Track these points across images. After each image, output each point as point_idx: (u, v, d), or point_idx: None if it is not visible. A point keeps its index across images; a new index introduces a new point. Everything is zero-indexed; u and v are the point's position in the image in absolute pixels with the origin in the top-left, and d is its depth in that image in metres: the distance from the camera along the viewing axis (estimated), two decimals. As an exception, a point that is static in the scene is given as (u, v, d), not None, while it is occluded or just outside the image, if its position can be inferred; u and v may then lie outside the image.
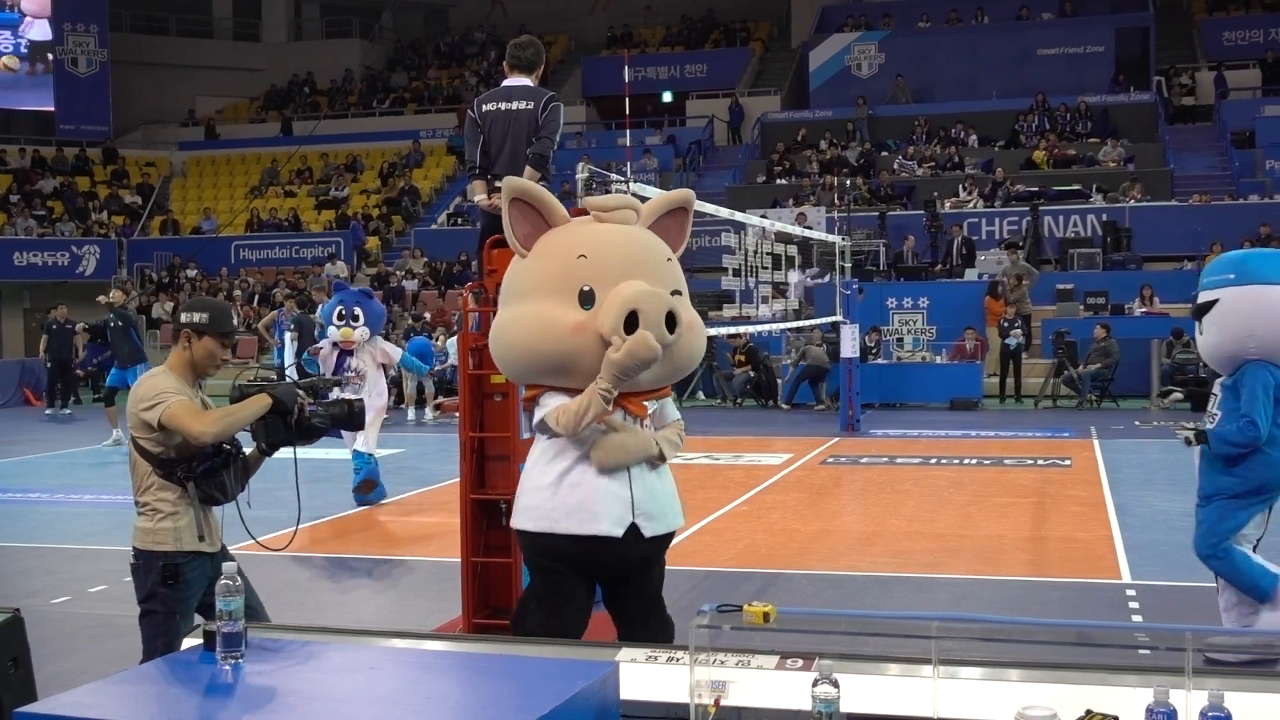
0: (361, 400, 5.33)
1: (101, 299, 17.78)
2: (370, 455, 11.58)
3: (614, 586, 4.80)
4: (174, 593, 4.71)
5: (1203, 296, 6.18)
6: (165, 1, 39.69)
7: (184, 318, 4.82)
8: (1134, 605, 7.69)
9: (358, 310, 11.31)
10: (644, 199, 5.04)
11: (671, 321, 4.35)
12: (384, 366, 11.88)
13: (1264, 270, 6.01)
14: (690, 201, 4.91)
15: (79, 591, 8.47)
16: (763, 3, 38.94)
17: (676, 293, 4.54)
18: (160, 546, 4.72)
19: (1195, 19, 34.51)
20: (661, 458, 4.66)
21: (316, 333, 13.15)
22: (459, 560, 6.36)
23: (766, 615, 3.14)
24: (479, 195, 6.66)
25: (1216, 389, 6.33)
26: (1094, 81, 31.70)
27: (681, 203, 4.88)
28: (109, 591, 8.51)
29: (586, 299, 4.43)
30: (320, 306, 12.90)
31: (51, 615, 7.58)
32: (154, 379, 4.77)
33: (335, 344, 11.43)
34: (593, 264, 4.45)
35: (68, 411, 22.12)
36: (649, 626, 4.76)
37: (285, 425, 4.78)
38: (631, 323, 4.32)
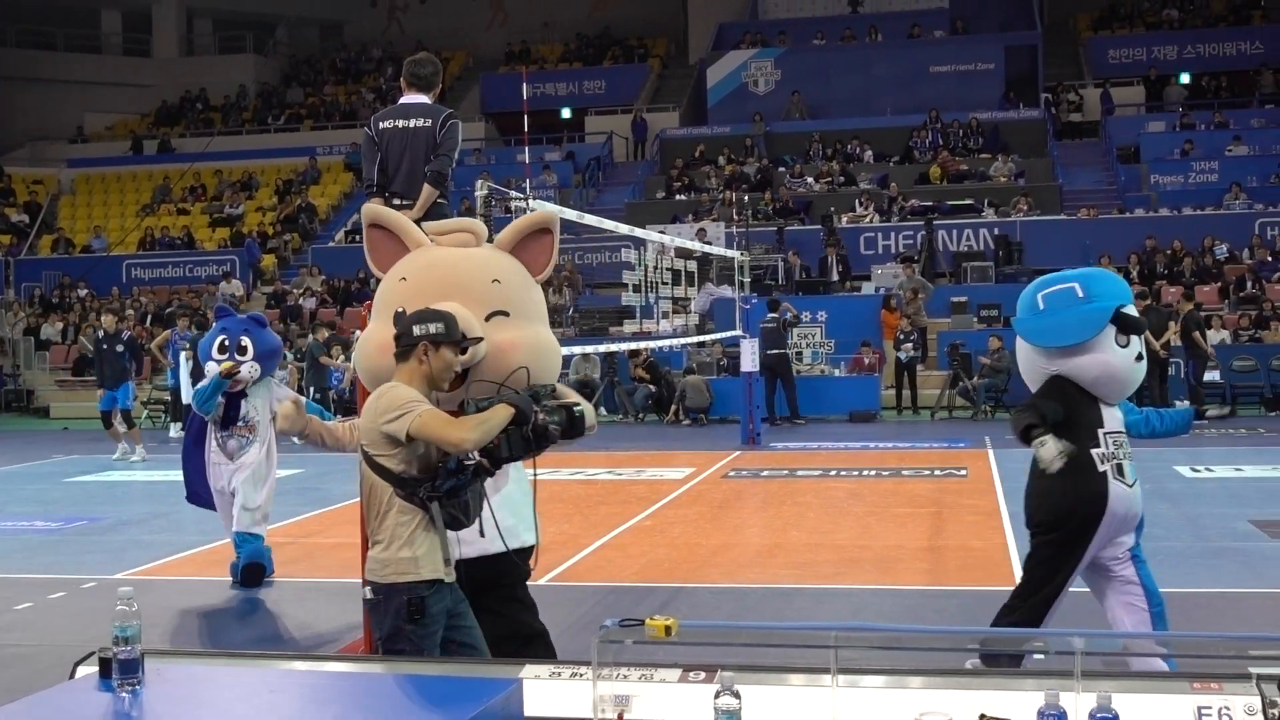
0: (581, 407, 4.70)
1: (97, 324, 18.18)
2: (260, 534, 9.18)
3: (476, 603, 4.86)
4: (420, 629, 4.30)
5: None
6: (53, 16, 38.86)
7: (418, 330, 4.45)
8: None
9: (245, 341, 8.98)
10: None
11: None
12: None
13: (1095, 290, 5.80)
14: (551, 222, 4.86)
15: (-34, 621, 8.25)
16: (660, 20, 39.17)
17: (501, 313, 4.54)
18: (402, 578, 4.35)
19: (1081, 37, 35.41)
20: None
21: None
22: (360, 581, 6.30)
23: (668, 629, 3.17)
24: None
25: (1117, 425, 5.91)
26: (985, 98, 32.34)
27: (542, 224, 4.83)
28: (-2, 620, 8.30)
29: (399, 320, 4.49)
30: (171, 339, 11.47)
31: (-62, 646, 7.37)
32: (395, 390, 4.40)
33: (217, 386, 8.99)
34: (410, 286, 4.57)
35: None
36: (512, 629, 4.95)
37: (523, 437, 4.48)
38: None
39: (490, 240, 4.95)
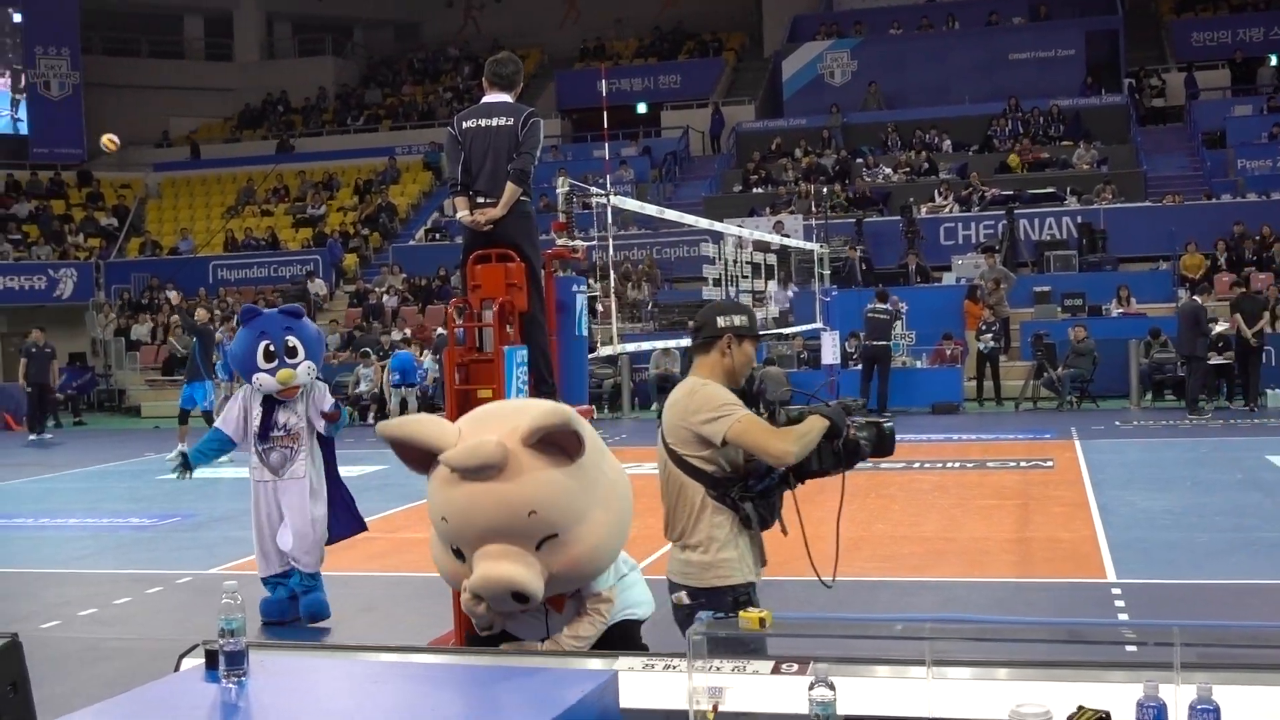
0: (890, 424, 4.53)
1: (196, 316, 18.54)
2: (318, 575, 8.09)
3: None
4: None
5: None
6: (136, 23, 39.60)
7: (723, 322, 4.38)
8: (1119, 604, 7.75)
9: (292, 340, 7.64)
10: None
11: (521, 597, 4.16)
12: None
13: None
14: (565, 424, 4.15)
15: (68, 616, 8.46)
16: (734, 13, 39.07)
17: (550, 537, 4.19)
18: (726, 580, 4.28)
19: (1164, 20, 34.78)
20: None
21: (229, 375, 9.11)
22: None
23: (762, 621, 3.19)
24: (462, 212, 6.69)
25: None
26: (1065, 85, 31.92)
27: (559, 427, 4.14)
28: (98, 615, 8.51)
29: (459, 555, 4.39)
30: (220, 343, 8.79)
31: (42, 640, 7.57)
32: (709, 389, 4.28)
33: (255, 393, 7.82)
34: (454, 529, 4.32)
35: (48, 436, 22.07)
36: None
37: (834, 451, 4.40)
38: (479, 599, 4.29)
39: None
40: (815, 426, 4.30)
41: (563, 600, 4.50)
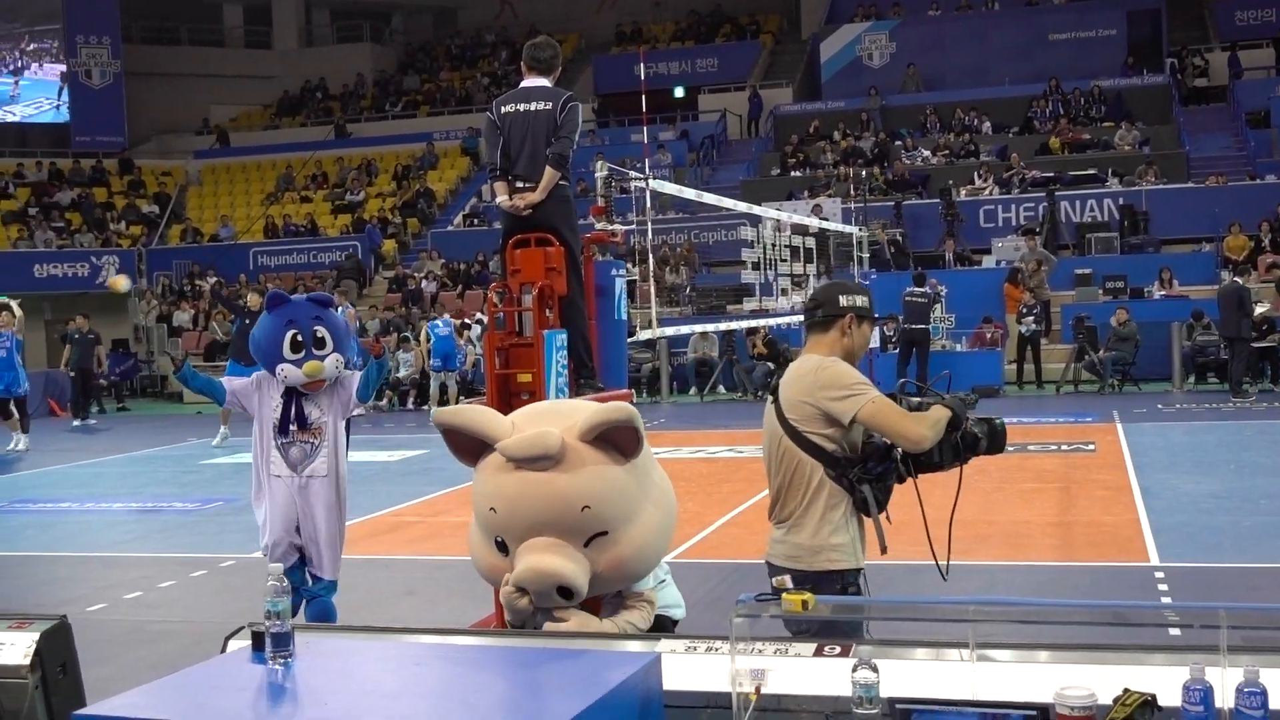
0: (1001, 420, 4.44)
1: (247, 300, 18.28)
2: (335, 583, 7.20)
3: None
4: None
5: None
6: (176, 11, 39.86)
7: (845, 300, 4.33)
8: (1163, 587, 7.71)
9: (320, 331, 6.83)
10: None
11: (566, 592, 4.09)
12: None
13: None
14: (632, 420, 4.11)
15: (115, 598, 8.56)
16: (772, -5, 38.96)
17: (600, 535, 4.15)
18: (839, 565, 4.23)
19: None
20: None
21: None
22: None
23: (805, 603, 3.19)
24: (501, 197, 6.71)
25: None
26: (1106, 65, 31.61)
27: (621, 424, 4.11)
28: (144, 598, 8.61)
29: (501, 548, 4.37)
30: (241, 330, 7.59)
31: (88, 622, 7.66)
32: (839, 366, 4.23)
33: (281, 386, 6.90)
34: (502, 519, 4.24)
35: (93, 421, 22.32)
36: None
37: (952, 444, 4.35)
38: (523, 592, 4.18)
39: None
40: (943, 416, 4.24)
41: (599, 603, 4.48)
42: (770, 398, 4.43)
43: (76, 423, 22.11)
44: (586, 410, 4.18)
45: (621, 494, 4.25)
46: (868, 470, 4.23)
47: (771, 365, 21.49)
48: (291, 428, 6.87)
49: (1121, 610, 3.54)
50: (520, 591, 4.23)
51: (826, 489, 4.24)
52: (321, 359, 6.83)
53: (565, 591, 4.15)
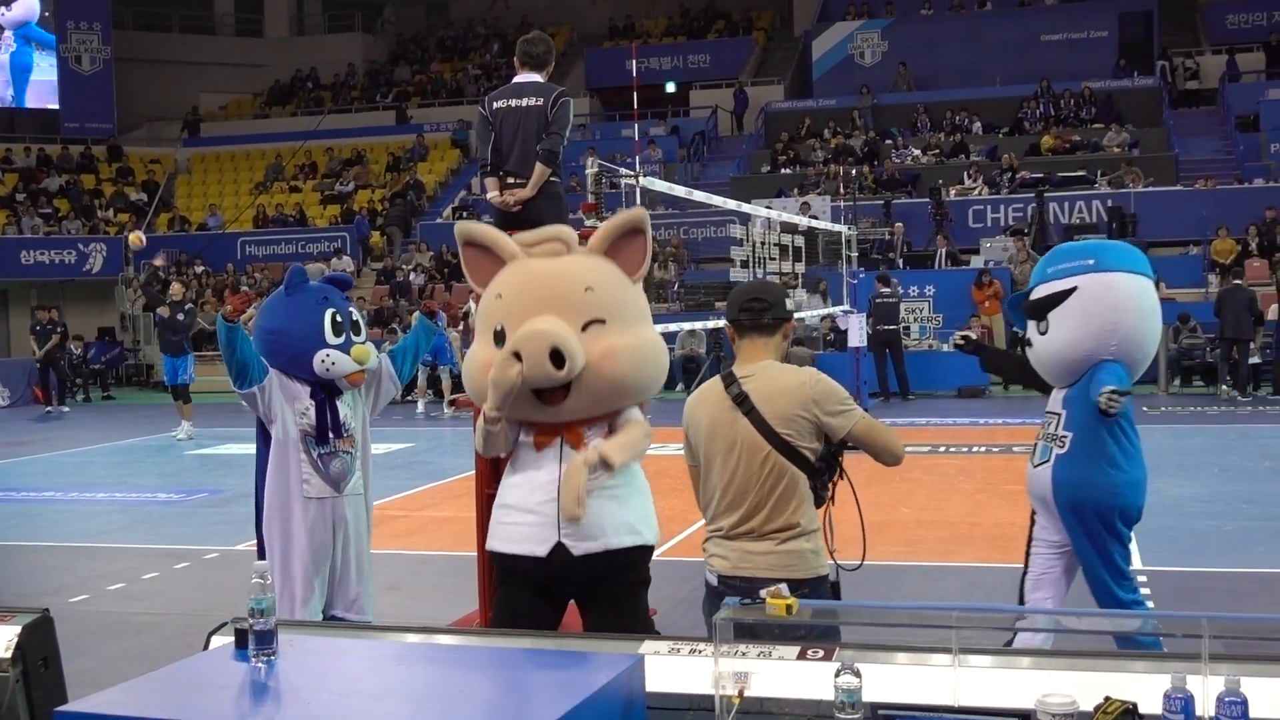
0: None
1: (170, 290, 18.59)
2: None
3: (580, 604, 4.71)
4: None
5: (1050, 287, 5.17)
6: (168, -2, 39.76)
7: (789, 304, 4.40)
8: (1146, 591, 7.71)
9: (356, 314, 5.91)
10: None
11: (559, 358, 4.26)
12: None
13: (1123, 259, 5.21)
14: (641, 222, 4.60)
15: (97, 590, 8.54)
16: (765, -8, 38.98)
17: (598, 321, 4.39)
18: (823, 569, 4.27)
19: (1199, 3, 34.45)
20: (607, 467, 4.38)
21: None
22: (474, 554, 6.41)
23: (789, 608, 3.19)
24: (492, 192, 6.71)
25: (1057, 407, 5.32)
26: (1097, 67, 31.69)
27: (632, 225, 4.57)
28: (127, 589, 8.59)
29: (499, 338, 4.44)
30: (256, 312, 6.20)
31: (71, 614, 7.63)
32: (828, 380, 4.27)
33: (318, 380, 5.74)
34: (505, 303, 4.47)
35: (65, 410, 22.34)
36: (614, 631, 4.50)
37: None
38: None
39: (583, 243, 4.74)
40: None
41: (581, 434, 4.49)
42: (737, 409, 4.23)
43: (49, 410, 22.17)
44: (597, 236, 4.59)
45: (623, 293, 4.55)
46: (825, 483, 4.31)
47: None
48: (331, 435, 5.70)
49: (1104, 618, 3.56)
50: (514, 358, 4.29)
51: (809, 498, 4.25)
52: (365, 344, 5.79)
53: (558, 358, 4.22)
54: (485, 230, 4.73)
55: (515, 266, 4.59)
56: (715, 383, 4.36)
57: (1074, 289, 5.08)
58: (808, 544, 4.24)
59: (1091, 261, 5.13)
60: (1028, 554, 5.46)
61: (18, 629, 3.70)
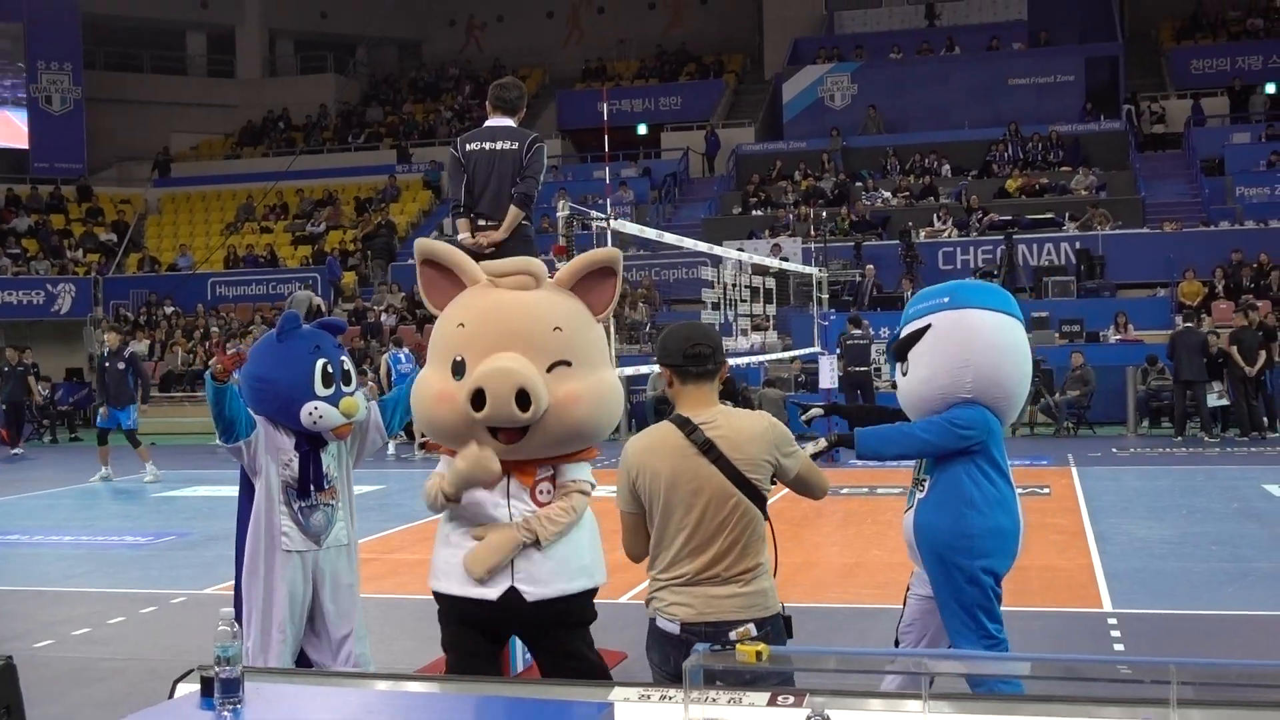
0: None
1: (104, 339, 18.18)
2: None
3: (528, 643, 4.75)
4: None
5: (909, 327, 5.14)
6: (139, 38, 39.71)
7: (723, 350, 4.46)
8: (1115, 634, 7.74)
9: (347, 362, 5.75)
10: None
11: (524, 399, 4.24)
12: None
13: (977, 296, 5.15)
14: (614, 262, 4.62)
15: (62, 635, 8.44)
16: (735, 36, 39.25)
17: (563, 363, 4.37)
18: (778, 607, 4.29)
19: (1164, 48, 34.94)
20: (537, 543, 4.47)
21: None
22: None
23: (759, 654, 3.18)
24: (463, 234, 6.73)
25: None
26: (1065, 110, 32.03)
27: (604, 264, 4.59)
28: (92, 634, 8.48)
29: (458, 369, 4.38)
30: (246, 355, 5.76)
31: (35, 660, 7.54)
32: (778, 422, 4.30)
33: (305, 431, 5.58)
34: (468, 333, 4.40)
35: (18, 451, 22.18)
36: (568, 674, 4.55)
37: None
38: (479, 400, 4.29)
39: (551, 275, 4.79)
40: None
41: (532, 474, 4.49)
42: (702, 456, 4.15)
43: (15, 452, 22.02)
44: (566, 271, 4.61)
45: (590, 334, 4.56)
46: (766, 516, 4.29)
47: (729, 403, 21.49)
48: (312, 488, 5.59)
49: (1073, 664, 3.56)
50: (478, 395, 4.23)
51: (761, 535, 4.24)
52: (354, 396, 5.63)
53: (523, 400, 4.18)
54: (448, 250, 4.64)
55: (480, 294, 4.53)
56: (667, 429, 4.22)
57: (928, 327, 5.04)
58: (767, 581, 4.23)
59: (946, 299, 5.09)
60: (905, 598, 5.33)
61: (-20, 677, 3.65)
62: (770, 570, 4.29)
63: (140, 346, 28.26)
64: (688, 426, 4.15)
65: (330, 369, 5.55)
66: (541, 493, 4.57)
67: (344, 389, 5.60)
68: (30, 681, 3.87)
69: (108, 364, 17.48)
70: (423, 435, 20.31)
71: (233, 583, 5.83)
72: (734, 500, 4.12)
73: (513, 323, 4.39)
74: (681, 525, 4.15)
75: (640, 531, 4.26)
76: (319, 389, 5.47)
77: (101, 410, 17.84)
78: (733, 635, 4.04)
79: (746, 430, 4.19)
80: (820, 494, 4.43)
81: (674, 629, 4.14)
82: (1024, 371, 5.18)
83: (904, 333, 5.13)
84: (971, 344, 4.97)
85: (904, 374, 5.12)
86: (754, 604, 4.17)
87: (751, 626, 4.12)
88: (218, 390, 5.28)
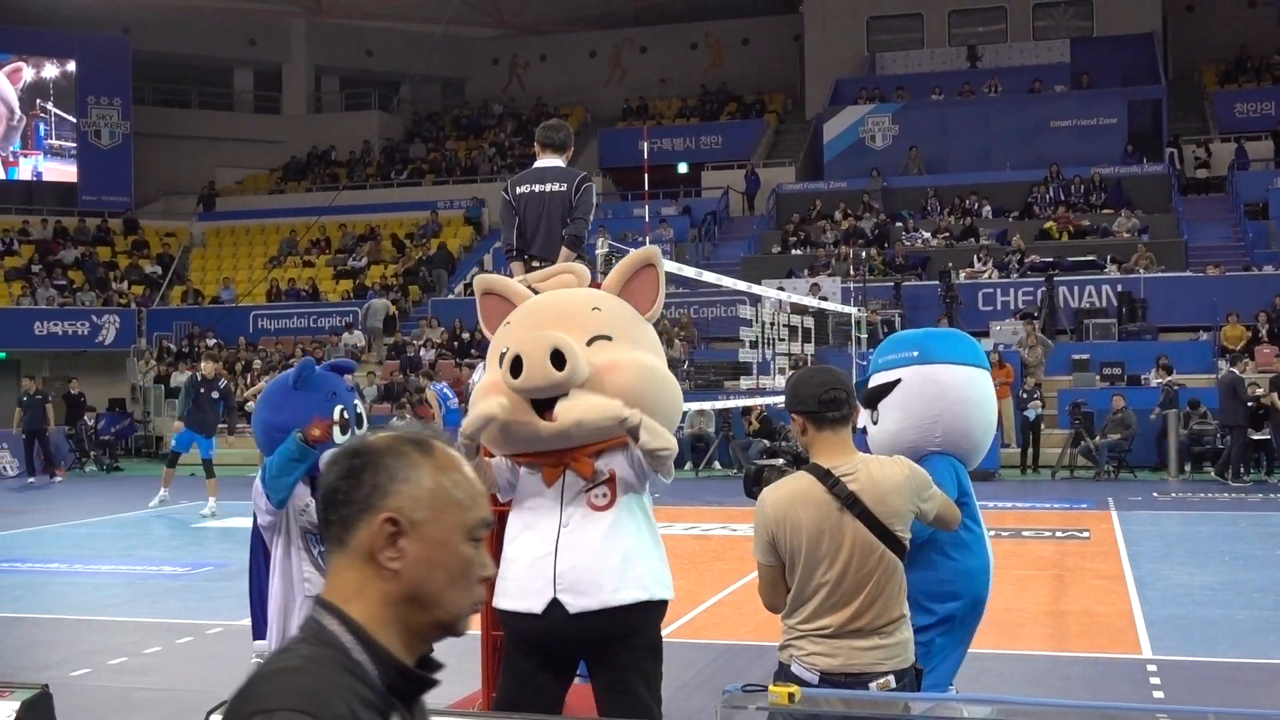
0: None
1: (201, 368, 18.58)
2: None
3: (588, 663, 4.57)
4: None
5: (878, 378, 5.20)
6: (188, 75, 40.26)
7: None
8: (1155, 680, 7.64)
9: (360, 406, 5.92)
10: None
11: (559, 359, 4.19)
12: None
13: (946, 349, 5.22)
14: (653, 256, 4.73)
15: (99, 664, 8.49)
16: (777, 75, 39.38)
17: (603, 337, 4.40)
18: (913, 658, 4.15)
19: (1207, 91, 34.78)
20: (632, 429, 4.30)
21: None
22: (479, 633, 6.35)
23: (791, 696, 3.17)
24: (518, 276, 6.77)
25: None
26: (1107, 153, 31.89)
27: (644, 261, 4.70)
28: (129, 664, 8.53)
29: (504, 360, 4.42)
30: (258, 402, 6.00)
31: (71, 688, 7.57)
32: (916, 466, 4.22)
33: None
34: (513, 328, 4.58)
35: (31, 480, 22.52)
36: (612, 710, 4.38)
37: None
38: (516, 367, 4.24)
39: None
40: None
41: (589, 463, 4.39)
42: (846, 510, 4.03)
43: (32, 480, 22.41)
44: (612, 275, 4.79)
45: (634, 321, 4.64)
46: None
47: (767, 442, 21.46)
48: (315, 541, 5.48)
49: (1112, 712, 3.52)
50: (512, 371, 4.24)
51: (904, 586, 4.15)
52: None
53: (558, 359, 4.18)
54: (502, 280, 4.94)
55: (528, 304, 4.76)
56: (807, 481, 4.10)
57: (899, 381, 5.12)
58: (907, 632, 4.13)
59: (915, 353, 5.16)
60: None
61: (16, 705, 3.68)
62: (909, 619, 4.19)
63: (182, 377, 28.59)
64: (829, 479, 4.03)
65: (346, 414, 5.59)
66: (597, 496, 4.42)
67: (357, 434, 5.35)
68: (66, 710, 3.89)
69: (203, 390, 17.64)
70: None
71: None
72: (878, 554, 4.02)
73: (552, 308, 4.58)
74: (824, 580, 4.05)
75: (779, 584, 4.19)
76: (336, 436, 5.40)
77: (175, 424, 17.86)
78: (873, 686, 3.97)
79: (888, 481, 4.07)
80: (954, 529, 4.46)
81: (813, 678, 4.02)
82: (990, 422, 5.30)
83: (873, 383, 5.20)
84: (941, 400, 5.07)
85: (874, 422, 5.18)
86: (895, 655, 4.07)
87: (891, 678, 4.03)
88: (304, 452, 5.22)
